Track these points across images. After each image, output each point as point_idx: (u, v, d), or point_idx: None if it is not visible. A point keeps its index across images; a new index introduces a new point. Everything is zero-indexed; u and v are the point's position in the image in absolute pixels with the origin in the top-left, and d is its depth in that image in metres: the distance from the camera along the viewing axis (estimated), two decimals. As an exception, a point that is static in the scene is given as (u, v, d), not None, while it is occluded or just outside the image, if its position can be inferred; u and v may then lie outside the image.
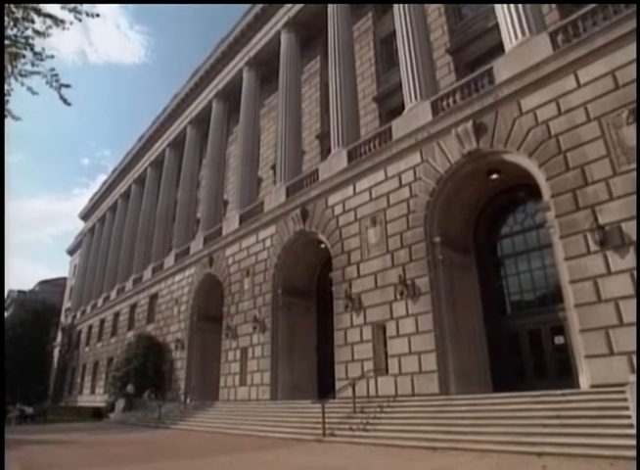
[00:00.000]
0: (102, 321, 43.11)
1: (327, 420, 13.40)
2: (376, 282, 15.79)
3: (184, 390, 25.84)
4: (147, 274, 35.36)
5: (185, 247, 30.39)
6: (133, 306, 36.83)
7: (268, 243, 21.97)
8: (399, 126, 16.64)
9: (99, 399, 35.60)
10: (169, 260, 31.85)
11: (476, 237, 16.15)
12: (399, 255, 15.27)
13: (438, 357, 13.42)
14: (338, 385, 15.80)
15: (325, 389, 18.08)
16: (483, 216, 16.13)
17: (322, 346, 20.51)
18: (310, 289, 22.01)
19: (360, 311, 16.05)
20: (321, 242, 19.36)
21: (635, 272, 9.96)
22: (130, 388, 27.61)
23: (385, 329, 15.15)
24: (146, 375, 28.03)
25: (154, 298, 33.29)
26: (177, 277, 30.16)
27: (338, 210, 18.35)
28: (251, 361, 20.92)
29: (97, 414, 30.58)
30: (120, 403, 28.71)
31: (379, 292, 15.58)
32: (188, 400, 24.58)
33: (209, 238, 27.41)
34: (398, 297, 14.77)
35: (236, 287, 23.44)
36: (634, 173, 10.35)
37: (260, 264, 22.08)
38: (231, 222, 25.52)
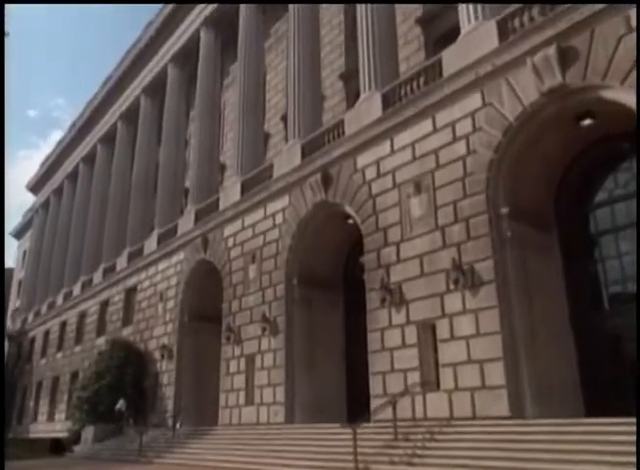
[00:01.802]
0: (63, 325, 44.18)
1: (360, 450, 13.44)
2: (422, 268, 15.73)
3: (172, 412, 26.32)
4: (121, 262, 35.92)
5: (171, 225, 30.71)
6: (104, 305, 37.55)
7: (279, 219, 22.01)
8: (452, 58, 16.31)
9: (59, 428, 36.12)
10: (151, 244, 32.26)
11: (558, 207, 15.93)
12: (453, 231, 15.13)
13: (508, 367, 13.30)
14: (373, 403, 15.90)
15: (356, 408, 18.24)
16: (570, 178, 15.82)
17: (351, 352, 20.66)
18: (335, 278, 22.14)
19: (401, 307, 16.04)
20: (349, 216, 19.33)
21: None
22: (122, 404, 27.76)
23: (434, 330, 15.13)
24: (122, 394, 28.52)
25: (131, 292, 33.85)
26: (161, 265, 30.56)
27: (370, 173, 18.23)
28: (260, 373, 21.17)
29: (57, 448, 30.36)
30: (89, 432, 29.05)
31: (426, 281, 15.52)
32: (178, 426, 25.03)
33: (202, 213, 27.62)
34: (452, 287, 14.68)
35: (238, 277, 23.62)
36: None
37: (270, 247, 22.17)
38: (230, 192, 25.61)
